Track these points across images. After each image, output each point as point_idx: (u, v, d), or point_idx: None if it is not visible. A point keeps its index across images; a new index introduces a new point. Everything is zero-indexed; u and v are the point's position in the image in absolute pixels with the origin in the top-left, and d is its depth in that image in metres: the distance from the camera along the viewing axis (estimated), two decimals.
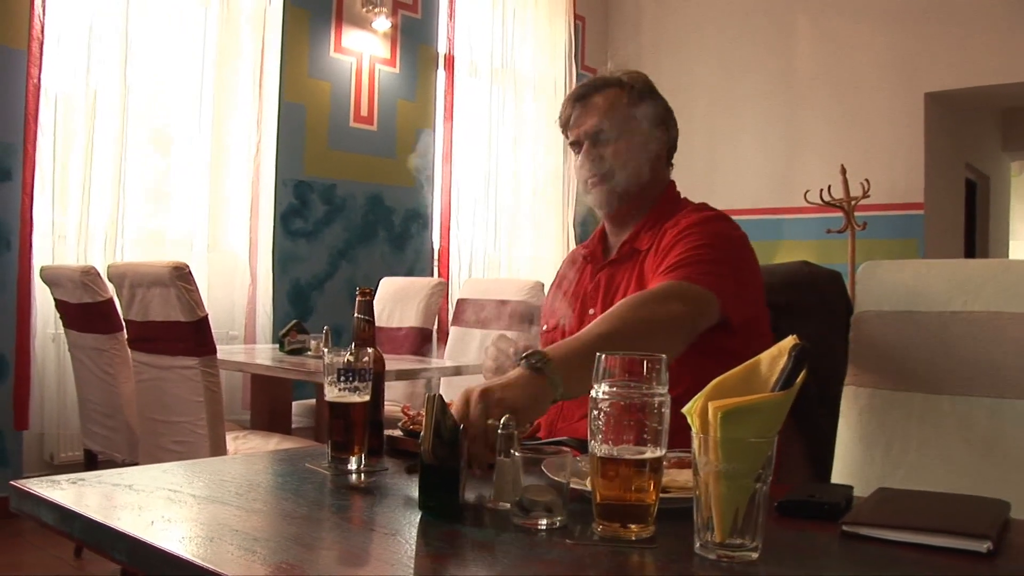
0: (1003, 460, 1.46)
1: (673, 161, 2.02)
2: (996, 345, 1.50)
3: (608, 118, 1.90)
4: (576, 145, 1.95)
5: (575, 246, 2.33)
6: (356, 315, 1.55)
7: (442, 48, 5.97)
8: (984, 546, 1.00)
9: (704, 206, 1.91)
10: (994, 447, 1.48)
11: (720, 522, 0.97)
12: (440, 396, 1.17)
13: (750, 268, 1.80)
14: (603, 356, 1.08)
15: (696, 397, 1.03)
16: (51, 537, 3.52)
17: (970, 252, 7.59)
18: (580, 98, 1.95)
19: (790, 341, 1.07)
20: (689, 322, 1.60)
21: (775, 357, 1.08)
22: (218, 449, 2.88)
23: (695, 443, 1.00)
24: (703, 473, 0.99)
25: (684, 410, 1.02)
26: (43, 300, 4.01)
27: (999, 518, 1.10)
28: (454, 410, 1.24)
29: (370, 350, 1.48)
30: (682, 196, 1.99)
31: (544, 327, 2.02)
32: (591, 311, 1.89)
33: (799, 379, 1.01)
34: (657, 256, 1.78)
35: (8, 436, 4.10)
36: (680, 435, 1.07)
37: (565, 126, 1.99)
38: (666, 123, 1.97)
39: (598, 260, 1.99)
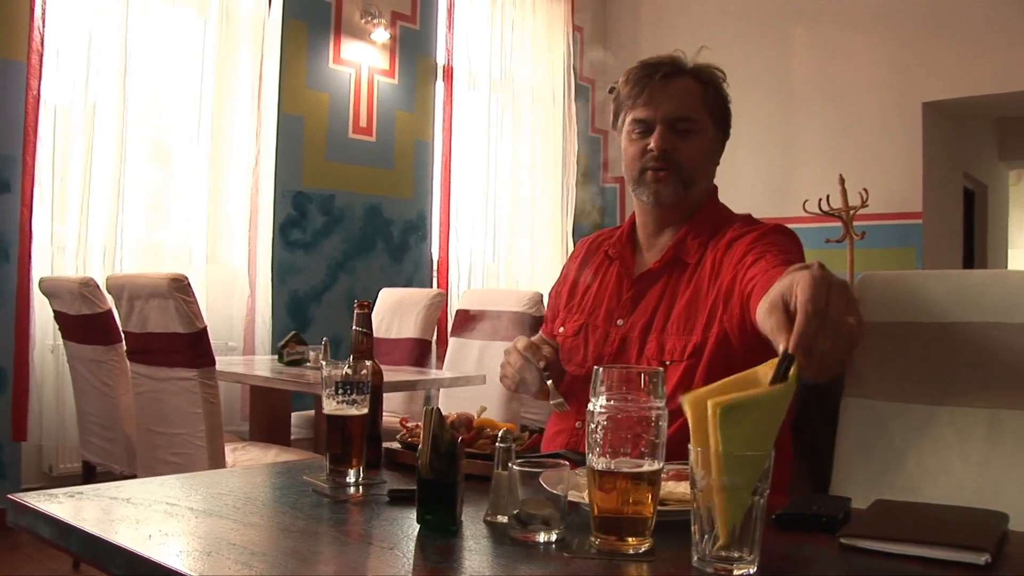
0: (1001, 471, 1.46)
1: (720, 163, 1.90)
2: (994, 356, 1.50)
3: (691, 106, 1.79)
4: (642, 124, 1.79)
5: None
6: (354, 328, 1.55)
7: (441, 59, 5.98)
8: (982, 558, 1.00)
9: (752, 218, 1.82)
10: (992, 458, 1.48)
11: (724, 525, 0.97)
12: (438, 409, 1.17)
13: None
14: (600, 369, 1.08)
15: (699, 391, 1.02)
16: (49, 550, 3.51)
17: (968, 261, 7.59)
18: (663, 76, 1.78)
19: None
20: None
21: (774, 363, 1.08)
22: (217, 461, 2.87)
23: (692, 456, 1.00)
24: (702, 484, 0.98)
25: (683, 397, 1.02)
26: (42, 312, 4.00)
27: (997, 530, 1.10)
28: (803, 289, 1.03)
29: (368, 363, 1.48)
30: (722, 204, 1.89)
31: (561, 329, 1.90)
32: (619, 322, 1.79)
33: (792, 373, 1.00)
34: (748, 266, 1.62)
35: (6, 447, 4.10)
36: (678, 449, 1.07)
37: (630, 102, 1.81)
38: (728, 131, 1.89)
39: (628, 265, 1.86)
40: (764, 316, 1.08)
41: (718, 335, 1.65)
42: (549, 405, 1.74)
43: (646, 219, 1.88)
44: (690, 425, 1.00)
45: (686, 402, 1.01)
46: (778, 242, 1.66)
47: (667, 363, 1.68)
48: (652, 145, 1.77)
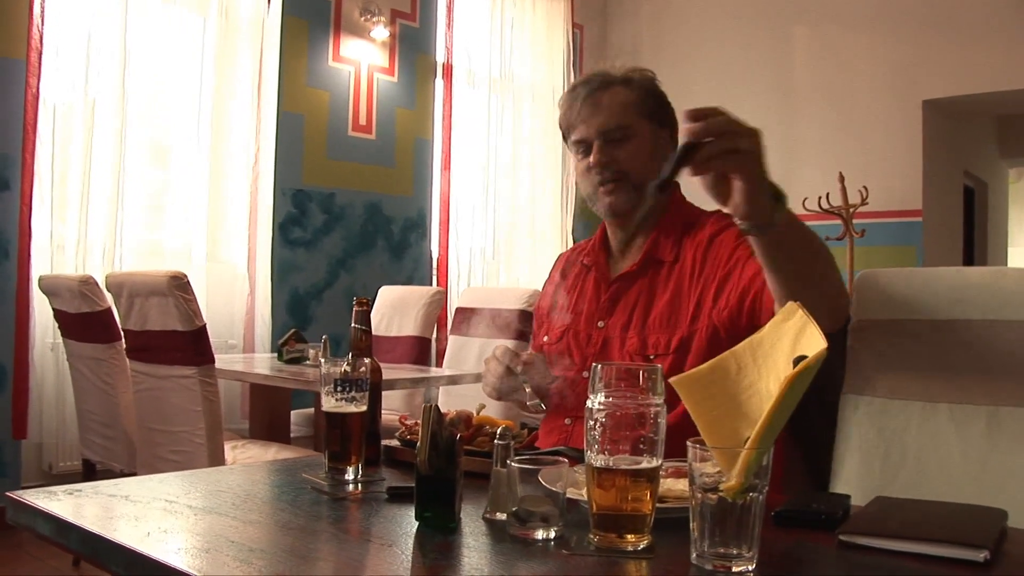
0: (1001, 469, 1.46)
1: None
2: (994, 353, 1.50)
3: (620, 115, 1.80)
4: (582, 144, 1.84)
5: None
6: (353, 325, 1.55)
7: (440, 57, 5.98)
8: (981, 555, 1.00)
9: (720, 211, 1.85)
10: (992, 456, 1.47)
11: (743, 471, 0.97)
12: (436, 407, 1.17)
13: None
14: (598, 366, 1.08)
15: (695, 373, 1.03)
16: (50, 548, 3.51)
17: (968, 259, 7.59)
18: (588, 94, 1.83)
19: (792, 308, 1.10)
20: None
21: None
22: (216, 459, 2.87)
23: (691, 453, 1.00)
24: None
25: (674, 380, 1.03)
26: (42, 310, 4.00)
27: (996, 527, 1.10)
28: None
29: (367, 360, 1.48)
30: (686, 199, 1.91)
31: (545, 338, 1.95)
32: (600, 324, 1.82)
33: (816, 355, 1.02)
34: (734, 263, 1.67)
35: (7, 446, 4.10)
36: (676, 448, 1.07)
37: (569, 125, 1.86)
38: (672, 124, 1.88)
39: (603, 271, 1.89)
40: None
41: (707, 329, 1.67)
42: (528, 406, 1.76)
43: (614, 229, 1.91)
44: (689, 406, 1.02)
45: (678, 385, 1.02)
46: None
47: (651, 357, 1.70)
48: (592, 161, 1.81)
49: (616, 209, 1.82)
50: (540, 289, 2.16)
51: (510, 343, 3.50)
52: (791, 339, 1.11)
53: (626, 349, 1.75)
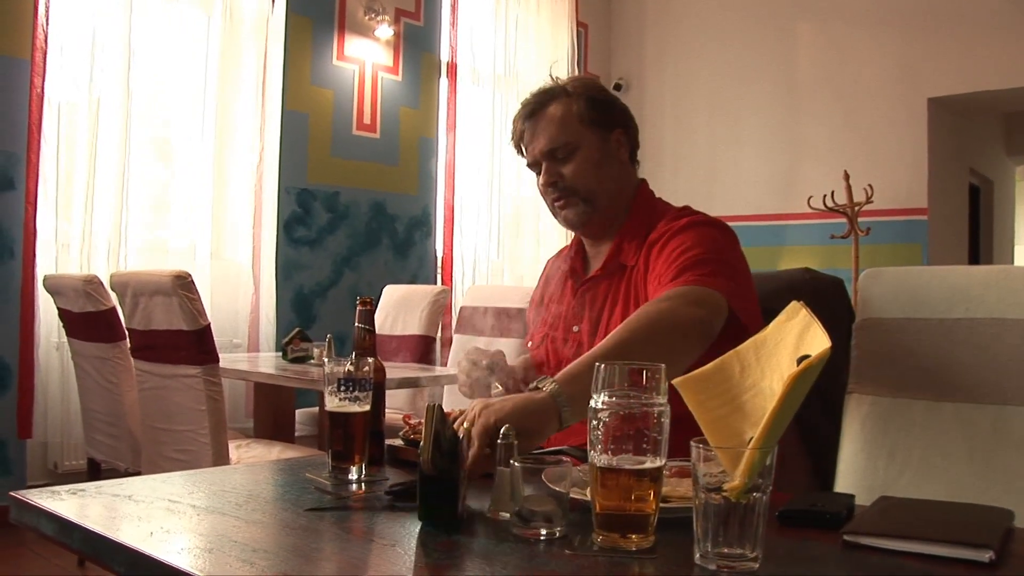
0: (1006, 468, 1.46)
1: (639, 159, 1.95)
2: (999, 352, 1.50)
3: (561, 132, 1.82)
4: (535, 166, 1.87)
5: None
6: (356, 324, 1.55)
7: (445, 56, 5.98)
8: (986, 556, 1.00)
9: (688, 210, 1.85)
10: (997, 455, 1.47)
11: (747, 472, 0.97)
12: (439, 406, 1.17)
13: (746, 268, 1.76)
14: (602, 366, 1.07)
15: (698, 374, 1.03)
16: (54, 547, 3.51)
17: (974, 257, 7.57)
18: (528, 116, 1.85)
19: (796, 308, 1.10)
20: (706, 324, 1.54)
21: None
22: (221, 458, 2.87)
23: (694, 453, 1.00)
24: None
25: (676, 382, 1.04)
26: (46, 309, 4.01)
27: (1001, 527, 1.09)
28: (459, 423, 1.28)
29: (371, 359, 1.48)
30: (657, 196, 1.93)
31: (530, 343, 1.99)
32: (575, 328, 1.85)
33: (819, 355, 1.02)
34: (653, 270, 1.73)
35: (12, 445, 4.11)
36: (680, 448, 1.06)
37: (519, 148, 1.90)
38: (624, 123, 1.90)
39: (579, 276, 1.92)
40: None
41: None
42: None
43: (583, 235, 1.96)
44: (692, 406, 1.02)
45: (681, 387, 1.02)
46: (690, 238, 1.70)
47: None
48: (541, 181, 1.85)
49: (572, 222, 1.87)
50: None
51: (514, 342, 3.51)
52: (794, 338, 1.11)
53: None
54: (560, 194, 1.84)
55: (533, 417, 1.32)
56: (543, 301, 2.02)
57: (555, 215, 1.90)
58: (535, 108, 1.85)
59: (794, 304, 1.13)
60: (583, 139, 1.83)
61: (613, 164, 1.87)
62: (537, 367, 1.93)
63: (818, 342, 1.04)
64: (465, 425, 1.29)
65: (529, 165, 1.89)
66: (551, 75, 1.92)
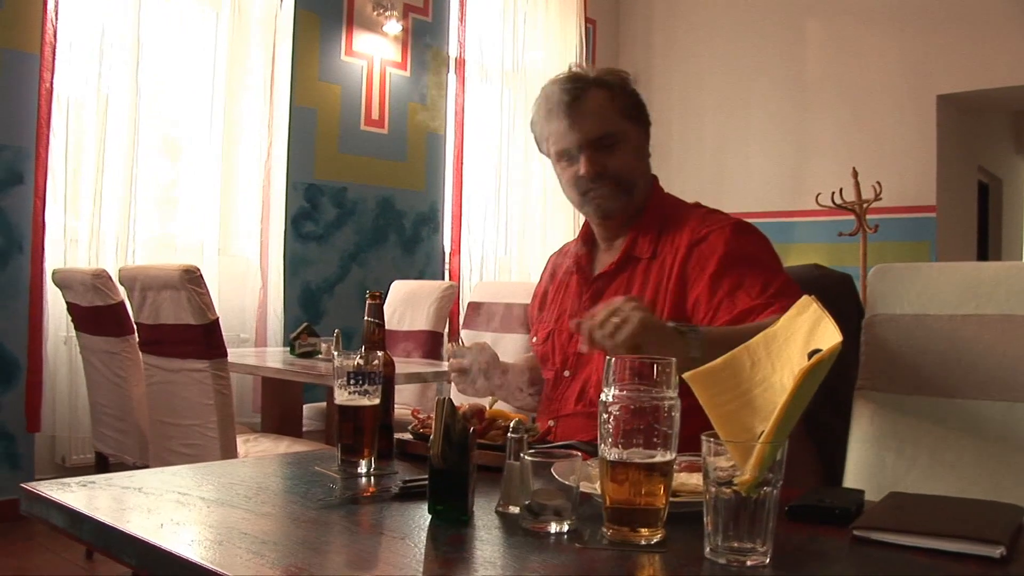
0: (1016, 464, 1.45)
1: (651, 152, 1.94)
2: (1008, 348, 1.49)
3: (605, 122, 1.81)
4: (567, 153, 1.85)
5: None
6: (366, 318, 1.55)
7: (453, 51, 5.98)
8: (997, 551, 1.00)
9: (712, 210, 1.86)
10: (1007, 451, 1.47)
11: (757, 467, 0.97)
12: (450, 400, 1.17)
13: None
14: (613, 360, 1.08)
15: (709, 368, 1.03)
16: (63, 540, 3.53)
17: (983, 254, 7.55)
18: (569, 101, 1.81)
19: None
20: None
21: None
22: (228, 452, 2.88)
23: (705, 447, 1.00)
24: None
25: (688, 375, 1.04)
26: (55, 303, 4.02)
27: (1012, 523, 1.09)
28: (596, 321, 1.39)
29: (380, 353, 1.48)
30: (665, 191, 1.94)
31: (534, 339, 1.98)
32: None
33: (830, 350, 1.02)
34: (699, 278, 1.71)
35: (20, 439, 4.12)
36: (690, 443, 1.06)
37: (548, 134, 1.87)
38: (647, 120, 1.91)
39: (586, 272, 1.92)
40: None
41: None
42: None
43: (600, 228, 1.94)
44: (703, 400, 1.01)
45: (692, 381, 1.02)
46: (753, 257, 1.72)
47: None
48: (583, 171, 1.81)
49: (608, 212, 1.86)
50: None
51: (520, 338, 3.51)
52: (805, 333, 1.10)
53: None
54: (601, 184, 1.82)
55: (661, 347, 1.34)
56: (546, 297, 2.02)
57: (581, 204, 1.88)
58: (574, 95, 1.81)
59: (805, 298, 1.13)
60: (624, 131, 1.83)
61: (645, 160, 1.90)
62: (541, 362, 1.93)
63: (829, 336, 1.04)
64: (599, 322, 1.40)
65: (560, 152, 1.86)
66: (576, 63, 1.91)
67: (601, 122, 1.81)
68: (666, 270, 1.76)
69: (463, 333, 4.52)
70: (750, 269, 1.68)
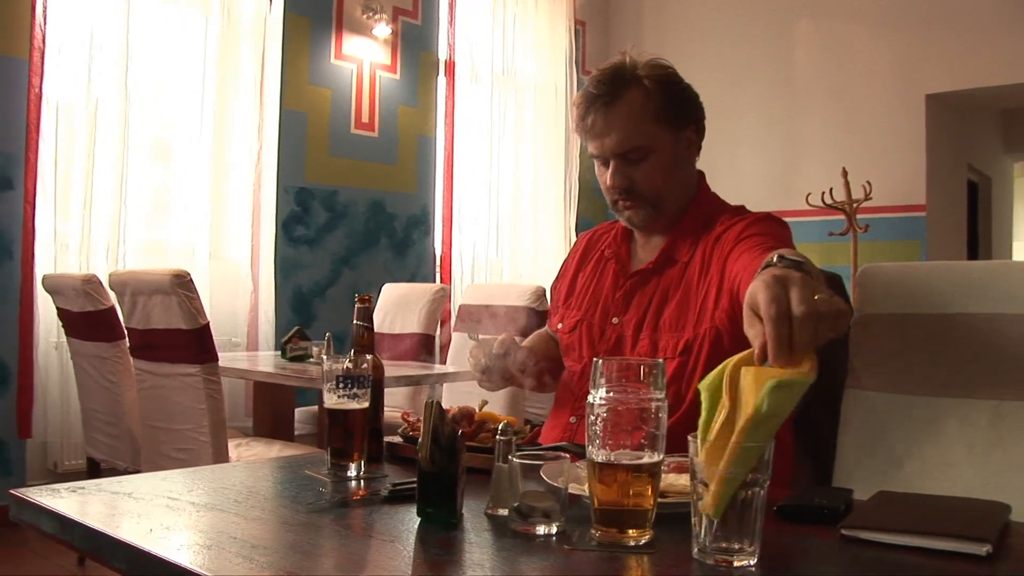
0: (1004, 463, 1.46)
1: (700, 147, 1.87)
2: (997, 347, 1.50)
3: (634, 133, 1.72)
4: (598, 157, 1.78)
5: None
6: (355, 322, 1.55)
7: (443, 54, 5.98)
8: (984, 549, 1.00)
9: (743, 209, 1.80)
10: (995, 450, 1.47)
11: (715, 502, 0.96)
12: (438, 402, 1.17)
13: None
14: (600, 361, 1.08)
15: (713, 373, 1.02)
16: (54, 546, 3.52)
17: (972, 253, 7.57)
18: (603, 104, 1.72)
19: None
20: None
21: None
22: (220, 456, 2.88)
23: (692, 447, 1.00)
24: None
25: (702, 385, 1.01)
26: (45, 309, 4.01)
27: (999, 521, 1.10)
28: (762, 298, 1.01)
29: (369, 357, 1.48)
30: (711, 191, 1.88)
31: (560, 324, 1.91)
32: (615, 320, 1.78)
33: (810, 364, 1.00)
34: (728, 252, 1.64)
35: (11, 445, 4.11)
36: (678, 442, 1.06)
37: (584, 134, 1.78)
38: (697, 117, 1.82)
39: (624, 264, 1.85)
40: (746, 329, 1.06)
41: (710, 332, 1.64)
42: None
43: (640, 231, 1.88)
44: (705, 406, 1.00)
45: (704, 388, 1.01)
46: (763, 231, 1.65)
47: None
48: (609, 183, 1.77)
49: (635, 224, 1.82)
50: (543, 285, 2.15)
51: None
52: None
53: (637, 350, 1.72)
54: (628, 197, 1.77)
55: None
56: (575, 281, 1.95)
57: (614, 211, 1.83)
58: (609, 96, 1.72)
59: None
60: (656, 141, 1.74)
61: (682, 167, 1.81)
62: (565, 351, 1.88)
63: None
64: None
65: (592, 154, 1.80)
66: (623, 52, 1.79)
67: (629, 135, 1.72)
68: (696, 270, 1.72)
69: (455, 336, 4.53)
70: (771, 238, 1.62)
